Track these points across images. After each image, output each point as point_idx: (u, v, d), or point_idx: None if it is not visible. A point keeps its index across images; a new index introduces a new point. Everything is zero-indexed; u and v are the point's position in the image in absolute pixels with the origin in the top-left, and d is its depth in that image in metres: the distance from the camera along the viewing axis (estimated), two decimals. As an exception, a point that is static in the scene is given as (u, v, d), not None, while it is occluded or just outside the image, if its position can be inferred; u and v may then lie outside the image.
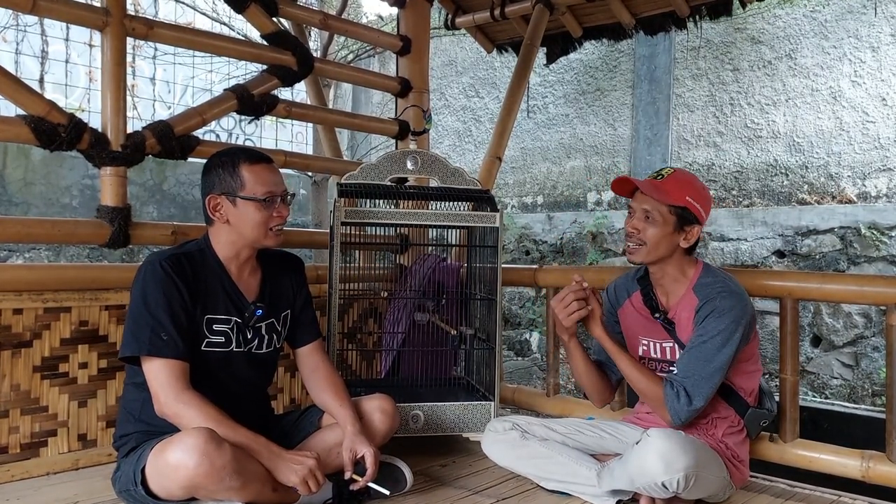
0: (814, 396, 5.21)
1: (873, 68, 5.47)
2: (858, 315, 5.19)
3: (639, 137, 6.65)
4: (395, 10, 3.55)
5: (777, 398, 2.20)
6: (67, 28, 7.36)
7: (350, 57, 7.81)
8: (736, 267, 5.64)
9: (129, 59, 3.81)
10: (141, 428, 1.86)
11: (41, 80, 7.30)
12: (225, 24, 7.24)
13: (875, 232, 5.23)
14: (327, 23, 3.30)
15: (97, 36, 2.49)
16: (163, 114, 7.67)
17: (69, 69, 7.54)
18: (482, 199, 2.56)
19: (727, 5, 3.51)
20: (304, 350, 2.11)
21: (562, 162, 7.27)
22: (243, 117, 3.00)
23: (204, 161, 2.00)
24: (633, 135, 6.70)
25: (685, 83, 6.39)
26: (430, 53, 3.51)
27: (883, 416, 2.10)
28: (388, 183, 2.54)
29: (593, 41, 4.13)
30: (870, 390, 5.10)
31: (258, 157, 1.95)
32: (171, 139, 2.51)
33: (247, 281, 1.99)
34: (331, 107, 6.88)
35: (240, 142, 8.44)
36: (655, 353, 2.10)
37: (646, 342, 2.12)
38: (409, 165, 2.54)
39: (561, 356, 2.91)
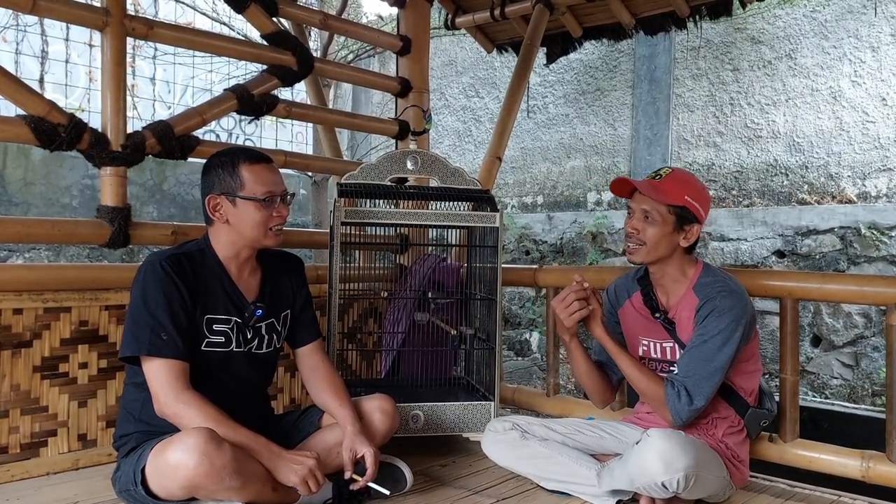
0: (814, 396, 5.21)
1: (873, 68, 5.47)
2: (858, 315, 5.19)
3: (639, 137, 6.65)
4: (395, 10, 3.55)
5: (777, 398, 2.20)
6: (67, 28, 7.36)
7: (350, 57, 7.81)
8: (736, 267, 5.64)
9: (129, 59, 3.81)
10: (141, 428, 1.86)
11: (41, 80, 7.30)
12: (225, 24, 7.24)
13: (875, 232, 5.23)
14: (327, 23, 3.30)
15: (97, 36, 2.49)
16: (163, 114, 7.67)
17: (69, 69, 7.54)
18: (482, 199, 2.56)
19: (727, 5, 3.51)
20: (303, 350, 2.11)
21: (562, 162, 7.27)
22: (243, 117, 3.00)
23: (204, 161, 2.00)
24: (633, 135, 6.70)
25: (685, 83, 6.39)
26: (430, 53, 3.51)
27: (883, 416, 2.10)
28: (388, 183, 2.54)
29: (593, 41, 4.13)
30: (870, 390, 5.10)
31: (258, 156, 1.95)
32: (171, 139, 2.51)
33: (247, 281, 1.99)
34: (331, 107, 6.88)
35: (240, 142, 8.44)
36: (656, 353, 2.10)
37: (646, 342, 2.12)
38: (409, 165, 2.54)
39: (561, 356, 2.91)
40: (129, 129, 2.44)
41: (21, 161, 6.88)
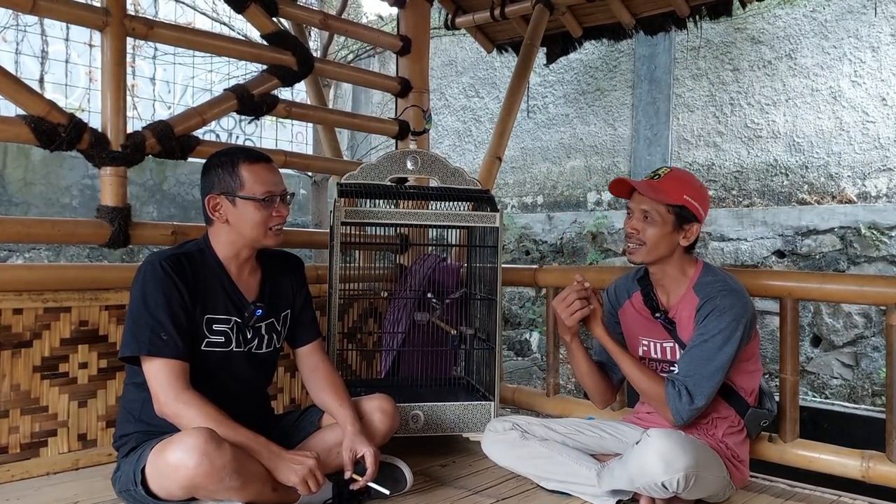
0: (814, 396, 5.21)
1: (873, 68, 5.47)
2: (858, 315, 5.19)
3: (639, 137, 6.65)
4: (395, 10, 3.55)
5: (777, 398, 2.20)
6: (67, 28, 7.36)
7: (350, 57, 7.81)
8: (736, 267, 5.64)
9: (129, 59, 3.81)
10: (141, 428, 1.86)
11: (41, 80, 7.30)
12: (225, 24, 7.24)
13: (875, 232, 5.22)
14: (327, 23, 3.30)
15: (97, 36, 2.49)
16: (163, 114, 7.67)
17: (69, 69, 7.54)
18: (482, 199, 2.56)
19: (727, 5, 3.51)
20: (303, 350, 2.11)
21: (562, 162, 7.27)
22: (243, 117, 3.00)
23: (204, 161, 2.00)
24: (633, 135, 6.70)
25: (685, 83, 6.39)
26: (430, 53, 3.51)
27: (883, 416, 2.10)
28: (388, 183, 2.54)
29: (593, 41, 4.13)
30: (870, 390, 5.10)
31: (257, 156, 1.95)
32: (171, 139, 2.51)
33: (246, 281, 1.99)
34: (331, 107, 6.88)
35: (240, 142, 8.44)
36: (656, 353, 2.09)
37: (646, 342, 2.12)
38: (409, 165, 2.54)
39: (561, 356, 2.91)
40: (129, 129, 2.44)
41: (21, 161, 6.88)
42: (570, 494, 2.04)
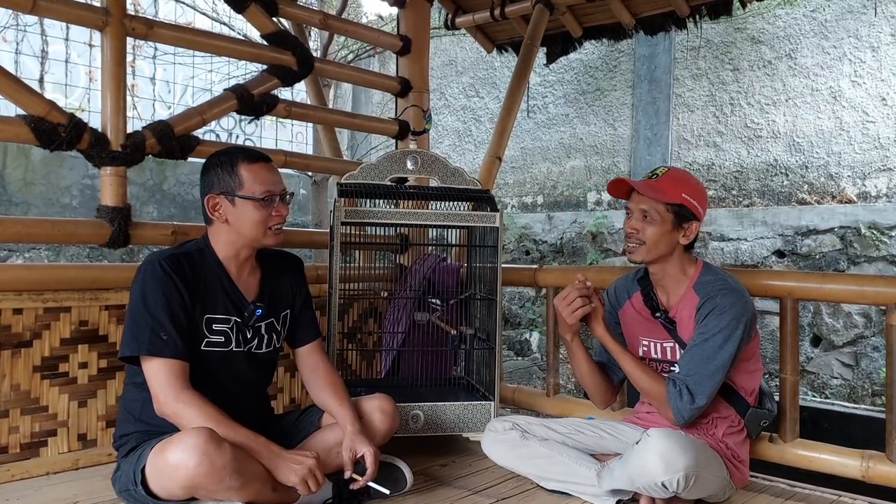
0: (814, 396, 5.21)
1: (873, 68, 5.47)
2: (858, 315, 5.19)
3: (639, 137, 6.65)
4: (395, 10, 3.55)
5: (777, 398, 2.20)
6: (67, 28, 7.35)
7: (350, 57, 7.81)
8: (736, 267, 5.64)
9: (129, 59, 3.81)
10: (141, 428, 1.86)
11: (41, 80, 7.29)
12: (225, 24, 7.23)
13: (875, 232, 5.22)
14: (327, 23, 3.30)
15: (97, 36, 2.49)
16: (163, 114, 7.67)
17: (69, 69, 7.54)
18: (482, 198, 2.56)
19: (727, 5, 3.51)
20: (303, 350, 2.11)
21: (562, 162, 7.27)
22: (243, 117, 3.00)
23: (203, 161, 2.00)
24: (633, 135, 6.70)
25: (685, 83, 6.39)
26: (430, 53, 3.51)
27: (883, 416, 2.10)
28: (388, 183, 2.54)
29: (593, 41, 4.13)
30: (870, 390, 5.10)
31: (256, 156, 1.95)
32: (171, 139, 2.51)
33: (246, 280, 1.99)
34: (331, 107, 6.88)
35: (240, 142, 8.44)
36: (656, 353, 2.10)
37: (646, 342, 2.12)
38: (409, 165, 2.54)
39: (561, 356, 2.91)
40: (129, 129, 2.44)
41: (21, 161, 6.88)
42: (570, 494, 2.04)
